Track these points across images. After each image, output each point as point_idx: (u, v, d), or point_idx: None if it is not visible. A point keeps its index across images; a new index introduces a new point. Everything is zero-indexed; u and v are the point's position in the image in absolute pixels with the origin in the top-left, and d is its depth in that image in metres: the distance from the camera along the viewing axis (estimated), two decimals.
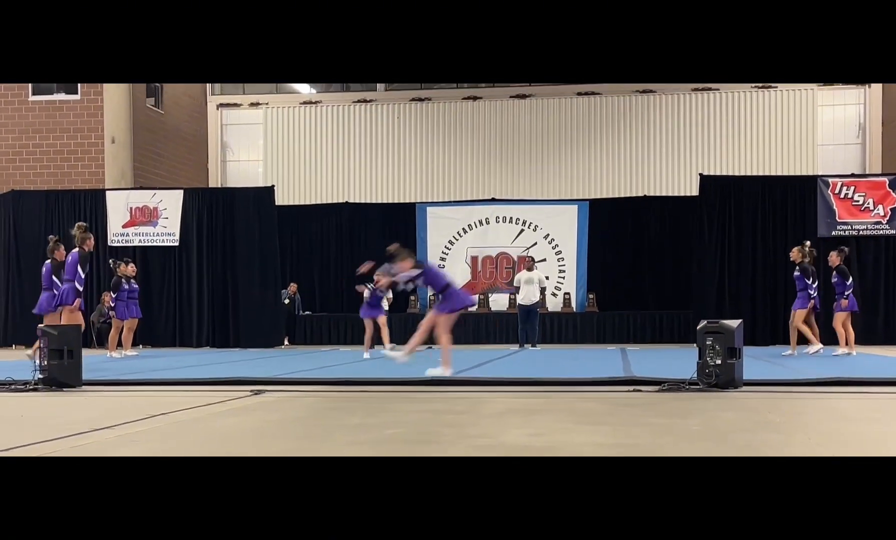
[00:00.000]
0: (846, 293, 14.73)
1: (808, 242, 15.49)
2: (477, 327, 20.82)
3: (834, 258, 14.97)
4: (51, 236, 14.33)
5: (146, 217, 21.01)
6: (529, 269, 18.57)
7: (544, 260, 21.32)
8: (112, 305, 16.84)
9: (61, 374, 9.67)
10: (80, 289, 12.75)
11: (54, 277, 13.38)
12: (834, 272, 14.98)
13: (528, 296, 17.92)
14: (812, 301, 14.77)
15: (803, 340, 15.05)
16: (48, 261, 13.63)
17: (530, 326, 18.16)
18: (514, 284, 19.03)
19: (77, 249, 12.94)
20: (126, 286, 16.72)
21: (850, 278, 14.93)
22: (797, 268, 15.06)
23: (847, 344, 14.78)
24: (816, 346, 14.99)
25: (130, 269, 16.97)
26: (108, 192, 21.44)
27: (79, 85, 23.87)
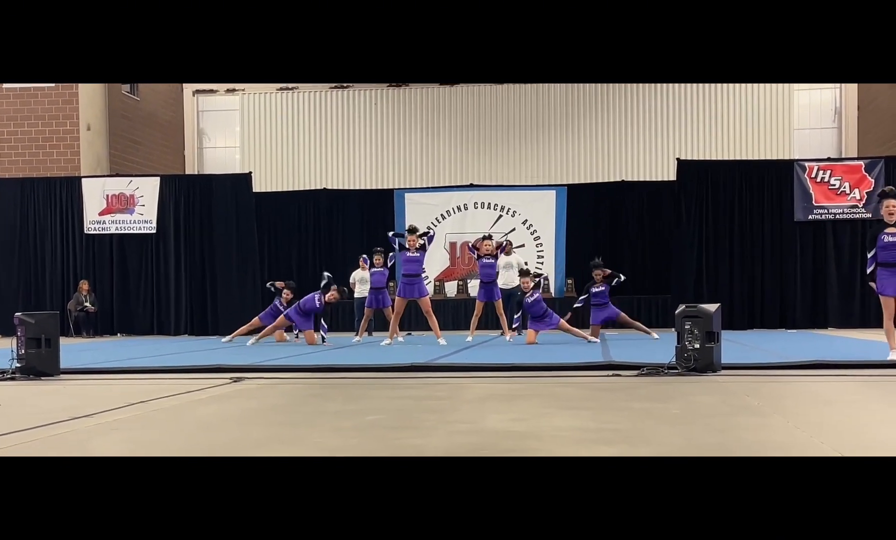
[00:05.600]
0: None
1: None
2: (456, 313, 20.82)
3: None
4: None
5: (123, 204, 20.90)
6: (507, 253, 18.53)
7: (523, 245, 21.29)
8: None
9: (39, 362, 9.62)
10: None
11: None
12: None
13: (507, 281, 17.88)
14: None
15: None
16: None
17: (510, 310, 18.14)
18: None
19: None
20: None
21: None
22: None
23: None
24: None
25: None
26: (83, 180, 21.31)
27: None
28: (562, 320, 14.74)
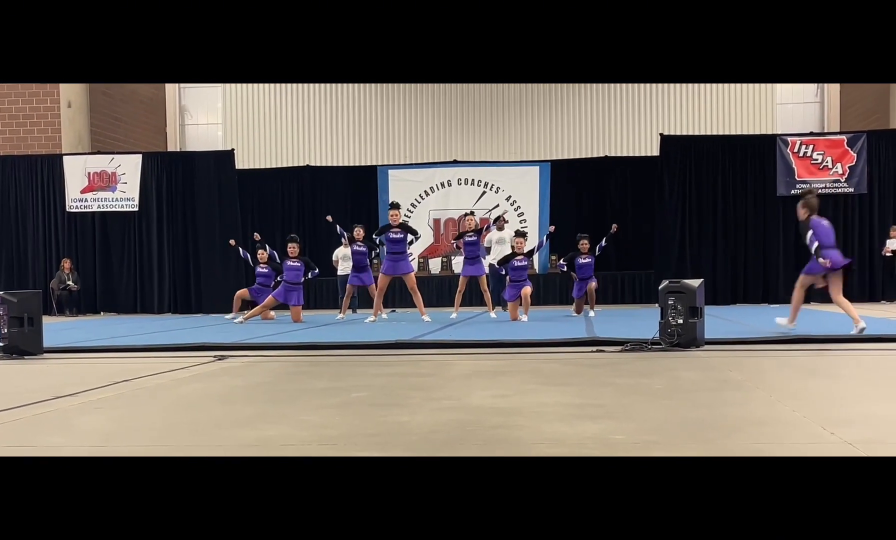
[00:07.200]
0: None
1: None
2: (440, 289, 20.84)
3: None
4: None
5: (104, 182, 20.79)
6: (500, 228, 18.49)
7: (507, 221, 21.33)
8: None
9: (22, 341, 9.59)
10: None
11: None
12: None
13: (499, 255, 17.81)
14: None
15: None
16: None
17: (502, 286, 18.06)
18: (486, 245, 18.90)
19: None
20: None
21: None
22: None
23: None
24: None
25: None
26: (65, 157, 21.19)
27: None
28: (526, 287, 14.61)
